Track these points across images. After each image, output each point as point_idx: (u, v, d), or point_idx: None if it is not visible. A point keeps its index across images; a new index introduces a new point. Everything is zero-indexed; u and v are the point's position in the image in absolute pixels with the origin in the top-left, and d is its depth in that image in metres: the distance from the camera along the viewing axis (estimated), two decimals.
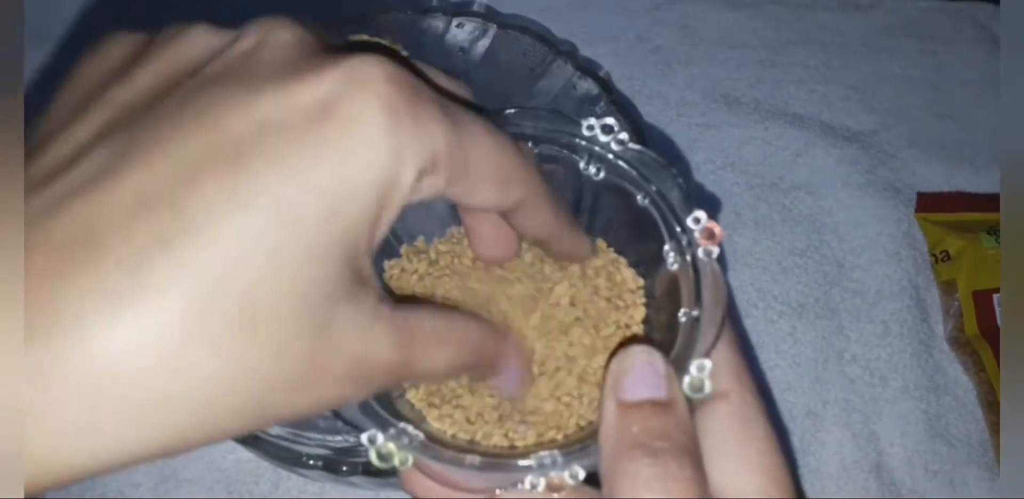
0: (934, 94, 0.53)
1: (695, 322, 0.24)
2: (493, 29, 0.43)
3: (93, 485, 0.40)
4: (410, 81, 0.19)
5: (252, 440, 0.31)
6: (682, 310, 0.24)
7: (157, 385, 0.16)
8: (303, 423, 0.35)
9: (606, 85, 0.41)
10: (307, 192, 0.17)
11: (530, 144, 0.26)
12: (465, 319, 0.23)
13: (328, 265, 0.18)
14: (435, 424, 0.26)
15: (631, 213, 0.27)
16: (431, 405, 0.26)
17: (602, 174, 0.27)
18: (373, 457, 0.22)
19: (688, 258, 0.25)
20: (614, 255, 0.29)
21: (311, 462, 0.31)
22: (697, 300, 0.24)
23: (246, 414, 0.18)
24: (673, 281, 0.25)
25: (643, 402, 0.21)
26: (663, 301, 0.27)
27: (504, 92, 0.44)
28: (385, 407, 0.23)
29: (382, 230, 0.19)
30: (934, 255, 0.47)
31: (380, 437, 0.22)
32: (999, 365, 0.42)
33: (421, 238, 0.29)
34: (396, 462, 0.22)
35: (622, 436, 0.21)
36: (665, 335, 0.25)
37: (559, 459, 0.23)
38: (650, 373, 0.22)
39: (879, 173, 0.49)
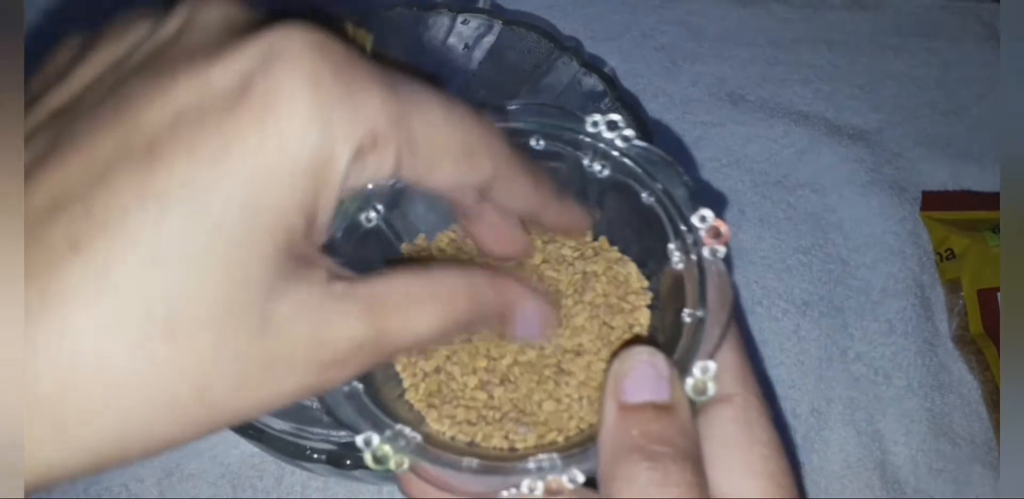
0: (940, 92, 0.53)
1: (700, 323, 0.23)
2: (498, 25, 0.43)
3: (98, 479, 0.40)
4: (338, 49, 0.17)
5: (256, 434, 0.31)
6: (686, 310, 0.24)
7: (87, 398, 0.16)
8: (306, 418, 0.35)
9: (611, 81, 0.41)
10: (224, 181, 0.16)
11: (533, 139, 0.26)
12: (449, 270, 0.21)
13: (257, 256, 0.17)
14: (434, 425, 0.25)
15: (636, 211, 0.26)
16: (430, 406, 0.25)
17: (607, 171, 0.26)
18: (368, 460, 0.22)
19: (693, 257, 0.24)
20: (618, 253, 0.28)
21: (315, 456, 0.31)
22: (702, 300, 0.23)
23: (194, 420, 0.17)
24: (677, 280, 0.25)
25: (644, 405, 0.21)
26: (667, 300, 0.26)
27: (509, 88, 0.44)
28: (382, 408, 0.23)
29: (324, 212, 0.18)
30: (939, 253, 0.47)
31: (376, 439, 0.22)
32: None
33: (422, 235, 0.29)
34: (392, 465, 0.22)
35: (621, 439, 0.20)
36: (669, 335, 0.25)
37: (558, 463, 0.22)
38: (651, 375, 0.21)
39: (884, 171, 0.49)
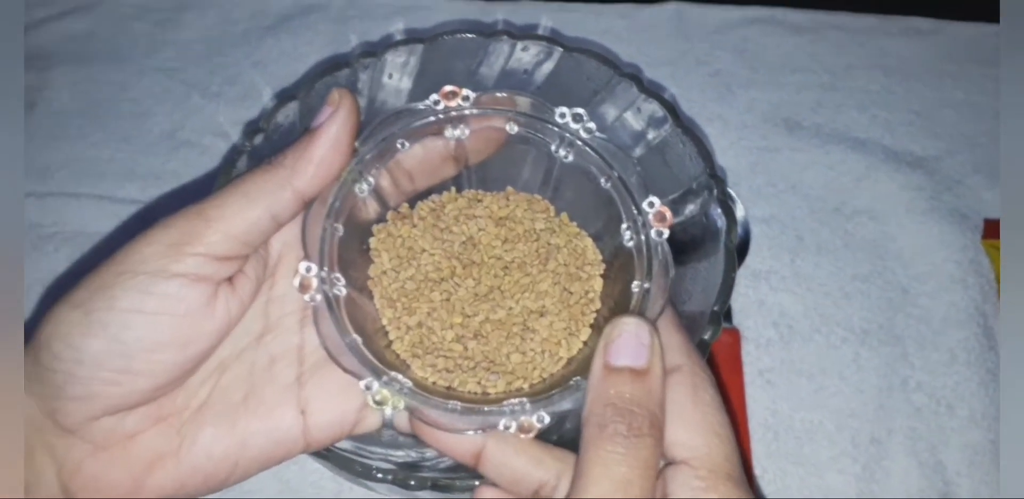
0: (999, 120, 0.52)
1: (646, 293, 0.28)
2: (558, 52, 0.44)
3: None
4: None
5: (325, 452, 0.31)
6: (635, 282, 0.28)
7: None
8: (366, 438, 0.35)
9: (672, 108, 0.41)
10: None
11: (508, 125, 0.30)
12: None
13: None
14: (418, 372, 0.29)
15: (594, 193, 0.30)
16: (414, 356, 0.29)
17: (571, 157, 0.30)
18: (370, 401, 0.26)
19: (642, 237, 0.28)
20: (577, 229, 0.32)
21: (379, 475, 0.31)
22: (649, 274, 0.28)
23: None
24: (628, 256, 0.29)
25: (623, 368, 0.25)
26: (617, 273, 0.30)
27: None
28: (376, 356, 0.27)
29: None
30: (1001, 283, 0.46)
31: (376, 384, 0.26)
32: None
33: (405, 205, 0.32)
34: (390, 405, 0.26)
35: (602, 394, 0.25)
36: (616, 301, 0.29)
37: (528, 406, 0.26)
38: (634, 343, 0.25)
39: (944, 199, 0.49)
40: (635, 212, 0.29)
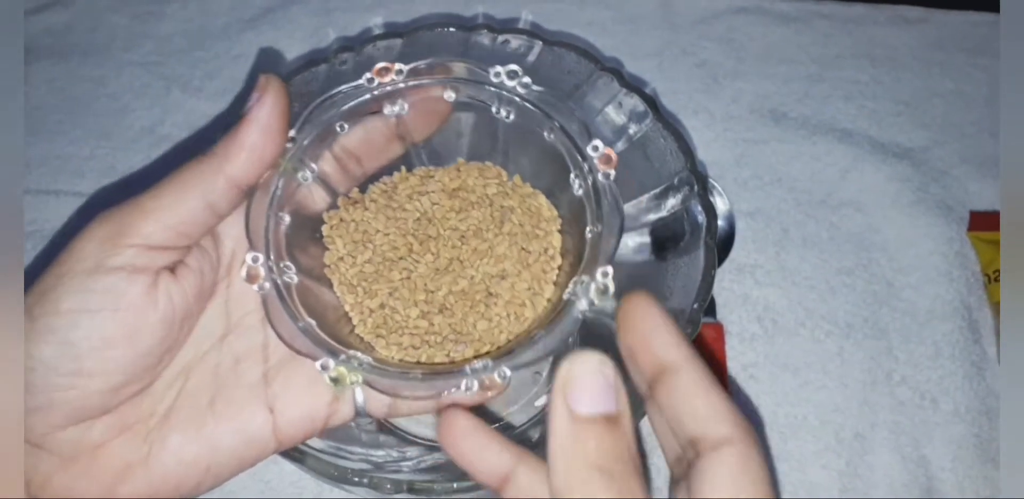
0: (987, 110, 0.52)
1: (598, 237, 0.27)
2: (538, 46, 0.43)
3: None
4: None
5: (299, 455, 0.31)
6: (588, 228, 0.28)
7: None
8: (345, 437, 0.35)
9: (652, 102, 0.40)
10: None
11: (445, 93, 0.30)
12: None
13: None
14: (383, 352, 0.29)
15: (542, 149, 0.30)
16: (378, 336, 0.29)
17: (512, 116, 0.30)
18: (327, 380, 0.26)
19: (590, 182, 0.28)
20: (531, 189, 0.32)
21: (356, 479, 0.31)
22: (599, 217, 0.27)
23: None
24: (581, 206, 0.28)
25: (596, 417, 0.21)
26: (574, 226, 0.30)
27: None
28: (339, 342, 0.27)
29: None
30: (987, 275, 0.46)
31: (331, 363, 0.26)
32: None
33: (356, 189, 0.32)
34: (347, 382, 0.25)
35: (579, 453, 0.21)
36: (576, 253, 0.28)
37: (489, 364, 0.26)
38: (602, 384, 0.21)
39: (931, 190, 0.48)
40: (579, 158, 0.28)
